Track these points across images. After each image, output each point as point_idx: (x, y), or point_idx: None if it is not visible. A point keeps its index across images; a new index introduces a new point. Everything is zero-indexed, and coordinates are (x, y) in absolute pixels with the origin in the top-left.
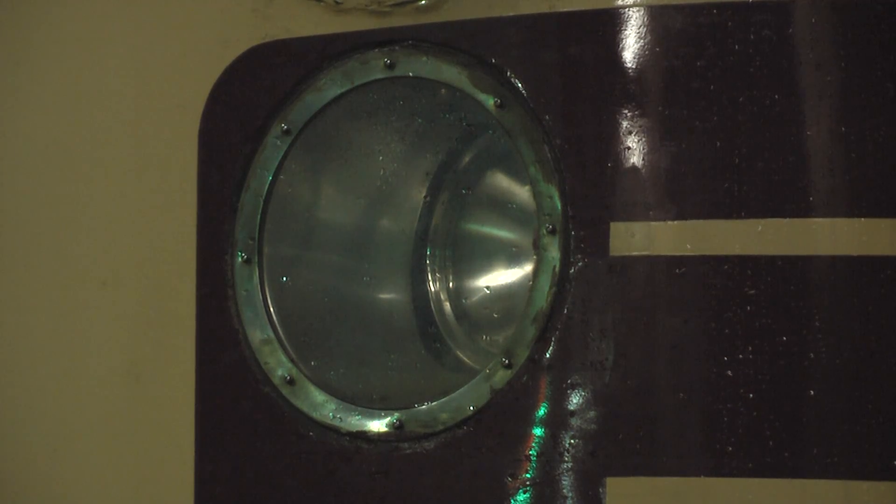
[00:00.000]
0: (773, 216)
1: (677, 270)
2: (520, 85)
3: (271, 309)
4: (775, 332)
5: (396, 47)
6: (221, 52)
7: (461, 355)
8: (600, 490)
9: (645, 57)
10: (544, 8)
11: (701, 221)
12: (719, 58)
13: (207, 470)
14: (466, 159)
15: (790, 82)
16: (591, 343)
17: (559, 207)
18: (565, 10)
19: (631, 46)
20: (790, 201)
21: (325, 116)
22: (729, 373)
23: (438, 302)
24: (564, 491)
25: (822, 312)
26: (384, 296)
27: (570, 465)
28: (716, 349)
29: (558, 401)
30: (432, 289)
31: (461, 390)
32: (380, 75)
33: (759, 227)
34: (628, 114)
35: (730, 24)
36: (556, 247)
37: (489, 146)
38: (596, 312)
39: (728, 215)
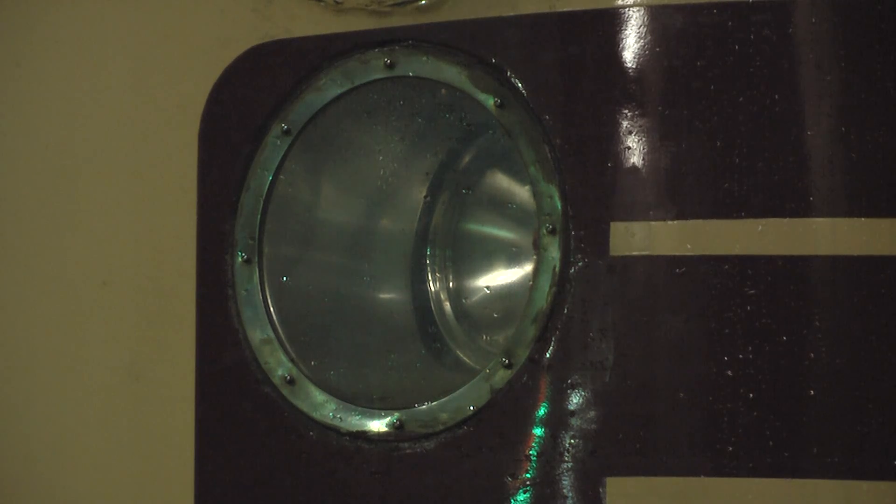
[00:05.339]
0: (773, 216)
1: (677, 270)
2: (520, 85)
3: (271, 309)
4: (775, 332)
5: (396, 47)
6: (221, 52)
7: (461, 355)
8: (600, 490)
9: (645, 57)
10: (544, 8)
11: (701, 221)
12: (719, 58)
13: (207, 470)
14: (466, 159)
15: (790, 82)
16: (591, 343)
17: (559, 207)
18: (565, 10)
19: (631, 46)
20: (790, 201)
21: (325, 116)
22: (729, 373)
23: (438, 302)
24: (564, 491)
25: (822, 312)
26: (384, 296)
27: (570, 464)
28: (716, 349)
29: (558, 401)
30: (432, 289)
31: (461, 390)
32: (380, 75)
33: (759, 227)
34: (628, 114)
35: (730, 24)
36: (556, 247)
37: (489, 146)
38: (596, 312)
39: (728, 215)
